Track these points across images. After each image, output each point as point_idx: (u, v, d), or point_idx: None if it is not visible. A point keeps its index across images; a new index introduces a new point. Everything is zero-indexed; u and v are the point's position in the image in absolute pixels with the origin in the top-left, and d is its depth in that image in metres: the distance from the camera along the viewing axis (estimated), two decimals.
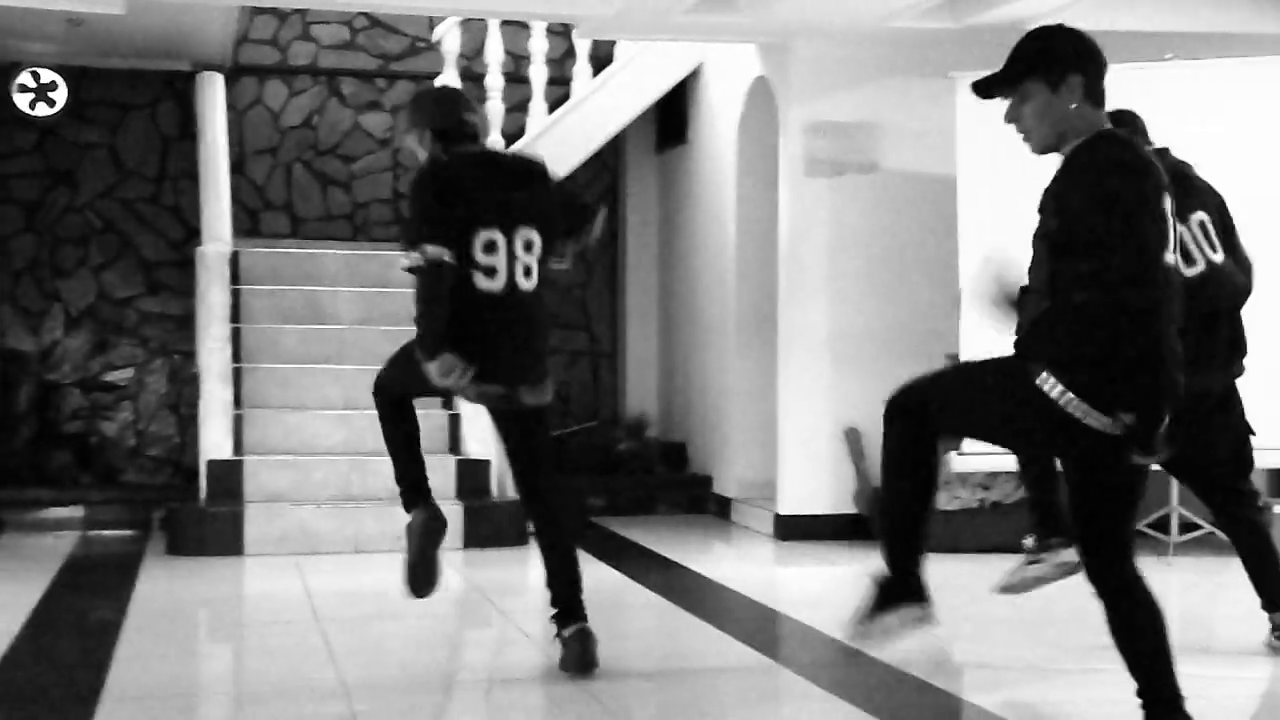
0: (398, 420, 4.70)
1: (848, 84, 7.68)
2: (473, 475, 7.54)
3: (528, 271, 4.37)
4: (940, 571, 5.72)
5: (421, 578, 4.51)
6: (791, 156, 7.66)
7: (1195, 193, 4.69)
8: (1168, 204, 3.32)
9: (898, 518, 3.57)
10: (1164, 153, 4.63)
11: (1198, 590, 6.42)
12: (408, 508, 4.63)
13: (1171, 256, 3.29)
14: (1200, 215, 4.70)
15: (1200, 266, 4.64)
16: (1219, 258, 4.69)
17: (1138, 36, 7.38)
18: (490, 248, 4.28)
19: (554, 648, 4.99)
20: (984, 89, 3.48)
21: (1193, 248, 4.65)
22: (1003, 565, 6.69)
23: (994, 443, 3.77)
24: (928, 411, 3.49)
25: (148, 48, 8.66)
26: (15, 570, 6.67)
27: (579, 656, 4.38)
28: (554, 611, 4.49)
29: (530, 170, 4.56)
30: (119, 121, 9.10)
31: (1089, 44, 3.50)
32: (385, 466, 7.48)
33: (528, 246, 4.36)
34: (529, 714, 4.28)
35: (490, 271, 4.28)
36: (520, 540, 7.38)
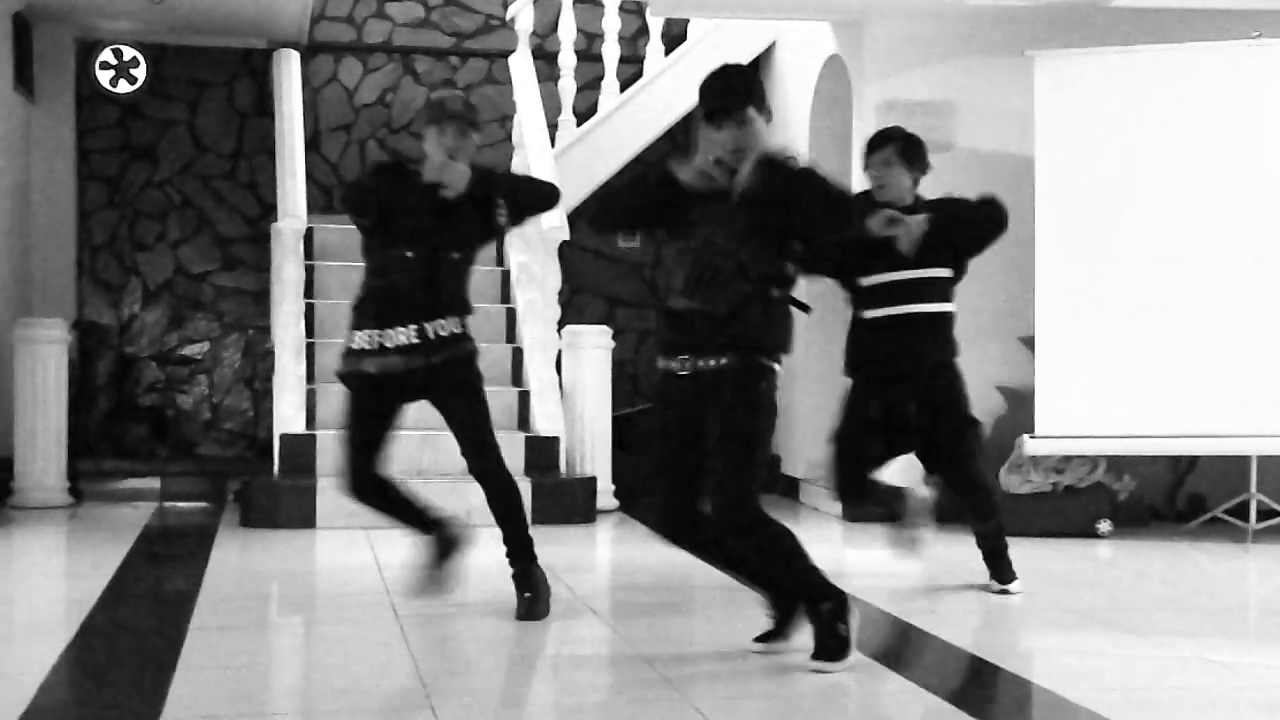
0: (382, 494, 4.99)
1: (923, 62, 7.60)
2: (542, 452, 7.57)
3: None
4: (1012, 555, 5.69)
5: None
6: (865, 135, 7.56)
7: None
8: None
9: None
10: None
11: (1277, 577, 6.31)
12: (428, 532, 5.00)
13: None
14: None
15: None
16: None
17: (1225, 14, 7.25)
18: None
19: (622, 625, 5.01)
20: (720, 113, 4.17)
21: None
22: (1074, 549, 6.63)
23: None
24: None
25: (226, 25, 8.75)
26: (93, 540, 6.79)
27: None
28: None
29: None
30: (197, 98, 9.21)
31: None
32: (455, 442, 7.57)
33: None
34: (598, 691, 4.29)
35: None
36: (588, 517, 7.41)
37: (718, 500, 4.18)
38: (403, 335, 4.77)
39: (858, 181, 7.64)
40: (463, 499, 7.19)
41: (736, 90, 4.20)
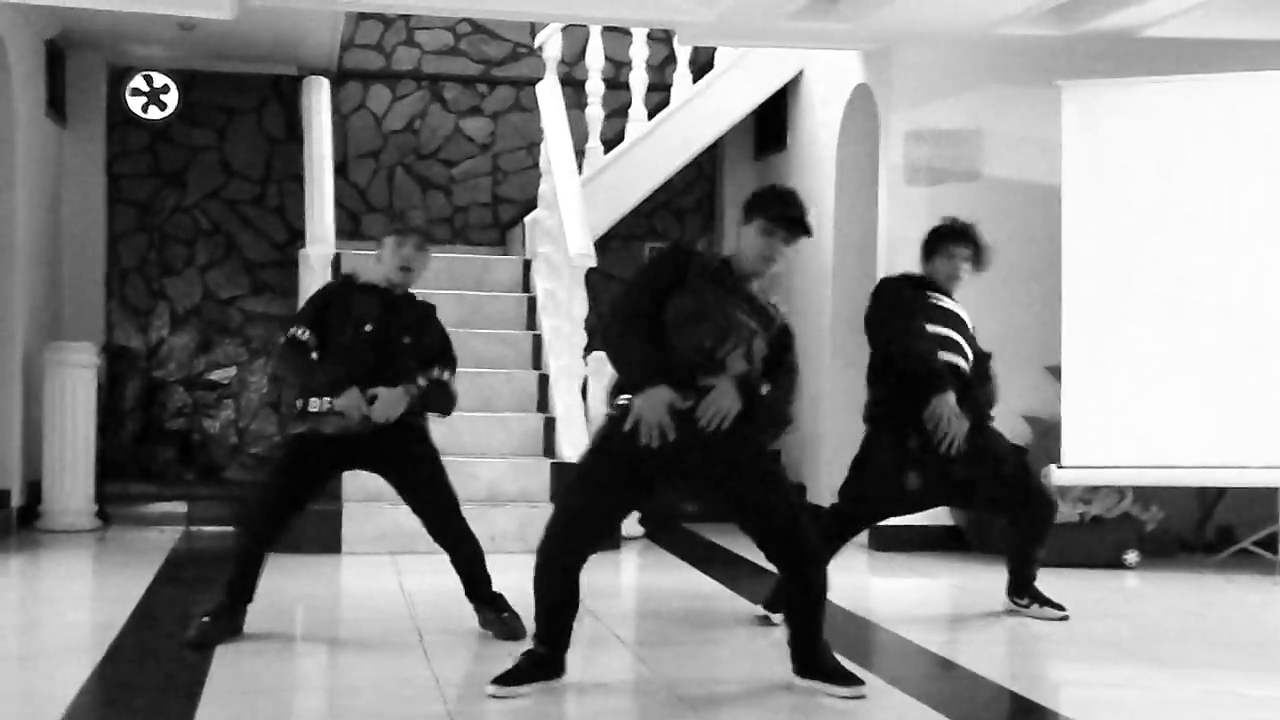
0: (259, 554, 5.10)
1: (951, 91, 7.60)
2: (567, 479, 7.54)
3: None
4: (1040, 586, 5.66)
5: None
6: (892, 164, 7.60)
7: None
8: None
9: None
10: None
11: None
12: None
13: None
14: None
15: None
16: None
17: (1254, 45, 7.24)
18: None
19: (647, 653, 5.00)
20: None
21: None
22: (1101, 580, 6.58)
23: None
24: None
25: (256, 52, 8.82)
26: (120, 564, 6.82)
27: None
28: None
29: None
30: (227, 124, 9.28)
31: None
32: (482, 468, 7.58)
33: None
34: (620, 716, 4.28)
35: None
36: (614, 544, 7.40)
37: (807, 535, 4.34)
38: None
39: (885, 212, 7.66)
40: (490, 524, 7.20)
41: (806, 219, 4.39)
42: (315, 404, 4.98)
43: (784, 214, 4.31)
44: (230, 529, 7.83)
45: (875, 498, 5.49)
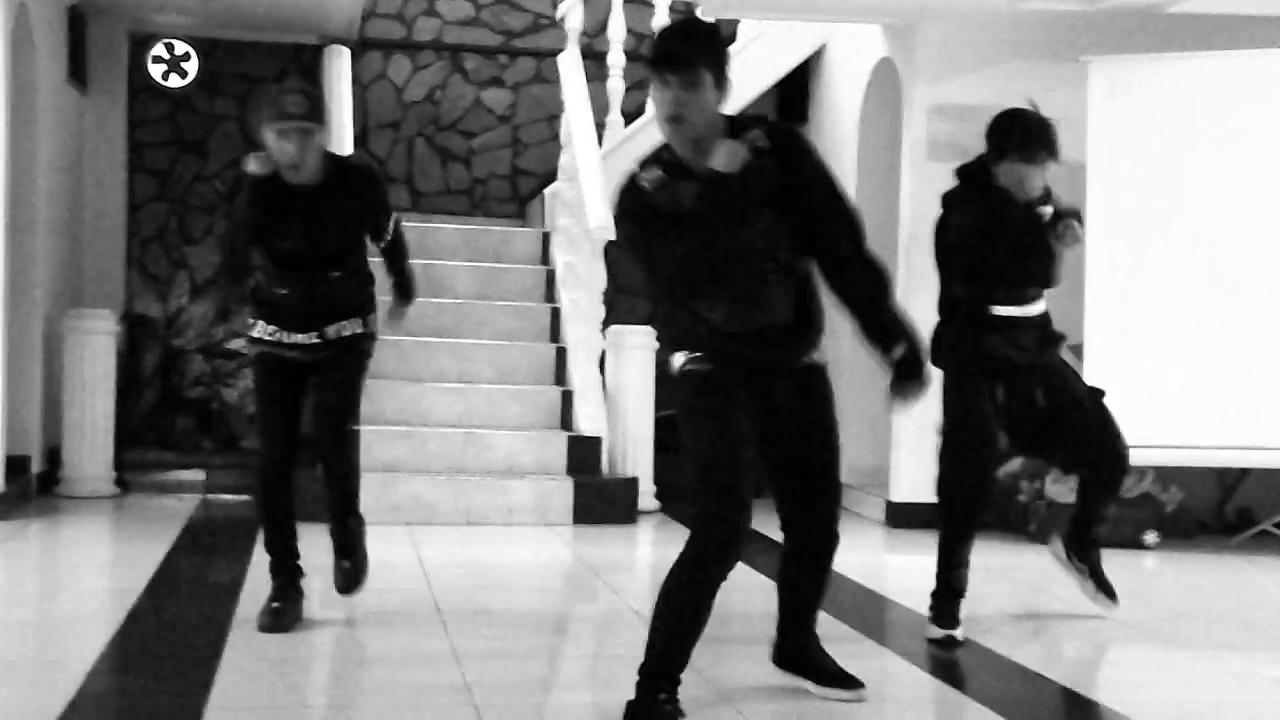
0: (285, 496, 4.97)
1: (975, 67, 7.54)
2: (584, 452, 7.57)
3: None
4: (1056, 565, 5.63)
5: None
6: (915, 140, 7.55)
7: None
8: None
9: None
10: None
11: None
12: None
13: None
14: None
15: None
16: None
17: (1274, 22, 7.16)
18: None
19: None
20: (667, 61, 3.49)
21: None
22: (1121, 560, 6.56)
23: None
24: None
25: (277, 21, 8.79)
26: (139, 531, 6.84)
27: None
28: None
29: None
30: (247, 93, 9.27)
31: None
32: (499, 440, 7.59)
33: None
34: (634, 690, 4.27)
35: None
36: (630, 518, 7.40)
37: (834, 501, 4.10)
38: (301, 337, 4.80)
39: (907, 188, 7.61)
40: (507, 496, 7.21)
41: (691, 44, 3.50)
42: (259, 329, 4.80)
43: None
44: (248, 496, 7.87)
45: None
